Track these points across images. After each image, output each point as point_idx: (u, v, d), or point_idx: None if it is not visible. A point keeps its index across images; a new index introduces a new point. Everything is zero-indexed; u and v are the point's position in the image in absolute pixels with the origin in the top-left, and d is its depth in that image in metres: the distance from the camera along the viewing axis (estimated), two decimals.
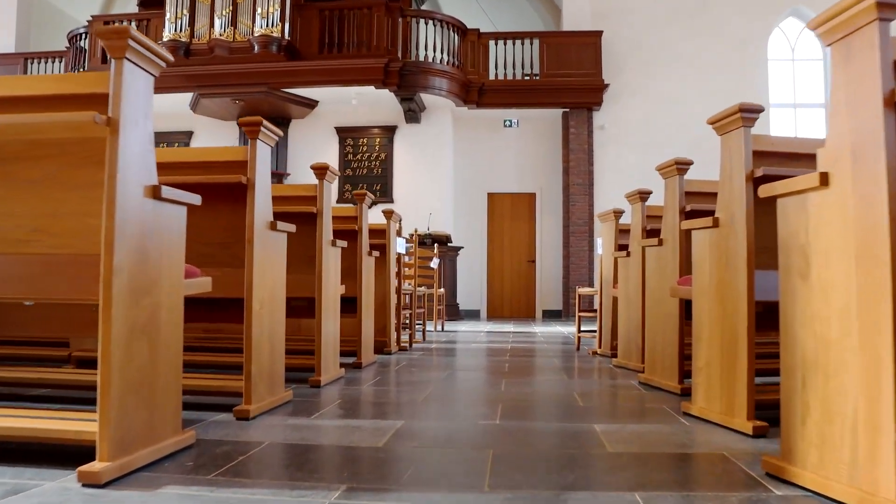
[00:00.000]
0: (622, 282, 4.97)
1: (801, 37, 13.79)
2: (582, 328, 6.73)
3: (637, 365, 4.64)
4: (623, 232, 5.84)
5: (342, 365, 4.62)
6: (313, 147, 13.50)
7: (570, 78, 13.18)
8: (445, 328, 9.62)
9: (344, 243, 4.58)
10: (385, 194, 13.27)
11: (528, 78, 13.32)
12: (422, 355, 5.67)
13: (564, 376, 4.40)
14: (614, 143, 13.42)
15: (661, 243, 3.94)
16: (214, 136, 13.56)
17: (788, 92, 13.78)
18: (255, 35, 11.88)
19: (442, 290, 9.14)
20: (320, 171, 4.32)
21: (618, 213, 5.75)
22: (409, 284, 7.19)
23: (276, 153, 13.42)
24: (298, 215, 4.27)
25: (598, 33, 13.21)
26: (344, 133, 13.47)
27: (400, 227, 6.90)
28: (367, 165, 13.39)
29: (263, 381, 3.19)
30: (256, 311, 3.15)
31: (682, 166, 4.05)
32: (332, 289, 4.26)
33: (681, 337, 3.63)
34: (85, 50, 13.40)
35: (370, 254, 5.01)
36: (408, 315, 6.56)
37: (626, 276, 4.91)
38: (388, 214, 5.75)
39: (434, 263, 8.75)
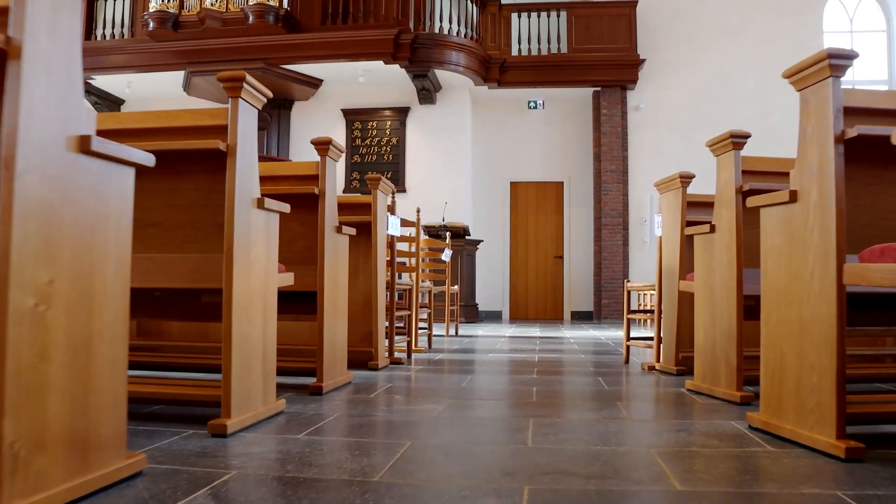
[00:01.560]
0: (703, 270, 3.35)
1: (859, 6, 12.03)
2: (631, 334, 5.11)
3: (728, 392, 3.03)
4: (694, 206, 4.21)
5: (288, 389, 3.07)
6: (318, 131, 11.96)
7: (601, 53, 11.55)
8: (460, 332, 8.03)
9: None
10: (397, 182, 11.70)
11: (554, 54, 11.70)
12: (418, 373, 4.09)
13: (624, 412, 2.79)
14: (651, 125, 11.76)
15: (794, 198, 2.31)
16: None
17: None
18: (250, 4, 10.40)
19: (456, 287, 7.57)
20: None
21: (686, 179, 4.12)
22: (409, 278, 5.62)
23: (276, 137, 11.95)
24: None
25: (633, 3, 11.56)
26: (351, 115, 11.95)
27: (418, 222, 5.36)
28: (376, 151, 11.85)
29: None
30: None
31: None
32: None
33: (840, 358, 2.02)
34: None
35: (339, 230, 3.44)
36: (406, 317, 4.99)
37: (709, 262, 3.29)
38: (375, 182, 4.18)
39: (446, 256, 7.18)
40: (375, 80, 11.39)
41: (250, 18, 10.46)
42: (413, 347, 5.34)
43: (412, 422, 2.54)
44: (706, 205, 4.23)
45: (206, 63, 10.83)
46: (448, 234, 10.19)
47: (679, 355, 4.01)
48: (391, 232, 4.52)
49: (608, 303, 11.39)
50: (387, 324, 4.55)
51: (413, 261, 5.52)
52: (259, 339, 2.52)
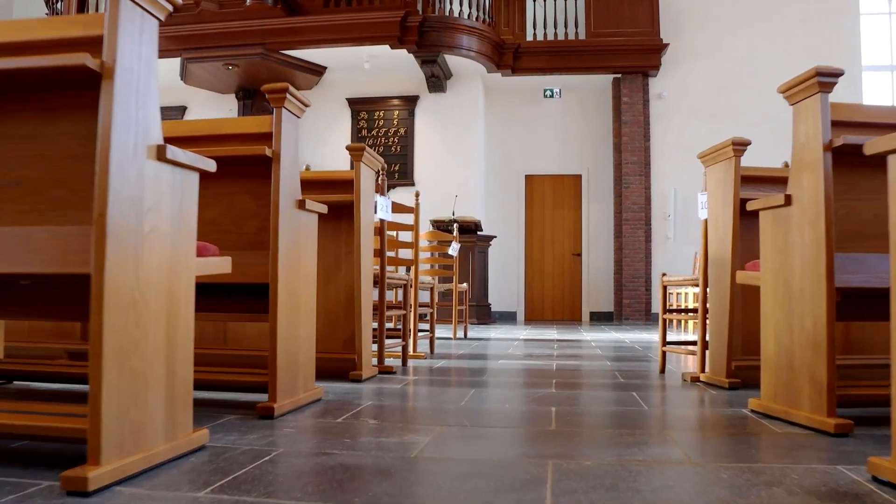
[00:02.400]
0: (774, 256, 2.53)
1: None
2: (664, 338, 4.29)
3: (815, 418, 2.21)
4: (749, 181, 3.37)
5: (237, 409, 2.30)
6: (322, 122, 11.22)
7: (621, 38, 10.71)
8: (469, 334, 7.23)
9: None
10: (405, 176, 10.93)
11: (571, 39, 10.88)
12: (410, 386, 3.30)
13: (680, 450, 1.98)
14: (675, 114, 10.90)
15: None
16: (210, 110, 11.37)
17: (885, 52, 11.11)
18: None
19: (465, 285, 6.78)
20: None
21: (740, 146, 3.29)
22: (408, 273, 4.83)
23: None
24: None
25: None
26: (357, 105, 11.18)
27: (417, 208, 4.60)
28: (383, 142, 11.07)
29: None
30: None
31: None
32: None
33: None
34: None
35: (301, 205, 2.64)
36: (403, 318, 4.20)
37: (783, 245, 2.47)
38: (358, 152, 3.39)
39: (453, 250, 6.40)
40: (382, 67, 10.62)
41: (248, 0, 9.74)
42: (411, 352, 4.56)
43: (378, 467, 1.74)
44: (765, 181, 3.41)
45: (202, 49, 10.11)
46: (457, 228, 9.41)
47: (732, 364, 3.19)
48: (381, 216, 3.73)
49: (630, 303, 10.54)
50: (376, 325, 3.77)
51: (412, 253, 4.73)
52: (159, 347, 1.74)
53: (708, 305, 3.41)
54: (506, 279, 11.32)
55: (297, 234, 2.62)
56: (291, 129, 2.65)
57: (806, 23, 10.77)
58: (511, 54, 10.69)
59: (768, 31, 10.82)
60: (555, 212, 11.47)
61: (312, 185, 3.56)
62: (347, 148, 3.40)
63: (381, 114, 11.11)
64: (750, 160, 10.66)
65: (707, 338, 3.46)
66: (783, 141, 11.10)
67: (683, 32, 10.95)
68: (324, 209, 2.81)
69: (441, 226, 9.45)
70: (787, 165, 3.66)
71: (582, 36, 10.89)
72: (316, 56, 10.41)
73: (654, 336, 7.18)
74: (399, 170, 10.93)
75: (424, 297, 5.64)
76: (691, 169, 10.60)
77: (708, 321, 3.43)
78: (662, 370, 3.83)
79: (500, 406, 2.67)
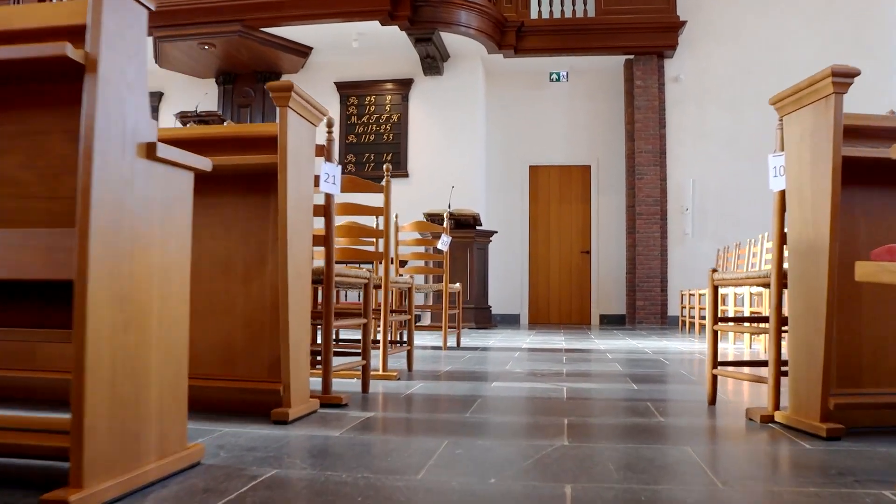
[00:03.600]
0: None
1: None
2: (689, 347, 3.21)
3: None
4: (851, 136, 2.26)
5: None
6: None
7: (634, 15, 9.65)
8: (464, 343, 6.17)
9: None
10: (398, 166, 9.86)
11: (580, 17, 9.81)
12: (356, 433, 2.21)
13: None
14: (693, 99, 9.81)
15: None
16: (189, 95, 10.32)
17: None
18: None
19: (458, 285, 5.71)
20: None
21: (844, 79, 2.18)
22: (368, 270, 3.76)
23: (261, 116, 10.17)
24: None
25: None
26: (346, 89, 10.12)
27: (388, 185, 3.54)
28: (374, 130, 10.01)
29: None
30: None
31: None
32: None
33: None
34: None
35: (150, 152, 1.56)
36: (363, 329, 3.12)
37: None
38: (282, 94, 2.31)
39: (443, 244, 5.33)
40: (372, 47, 9.56)
41: None
42: (380, 372, 3.49)
43: None
44: (871, 134, 2.31)
45: (174, 27, 9.08)
46: (450, 219, 8.35)
47: (830, 402, 2.12)
48: (325, 189, 2.66)
49: (644, 305, 9.44)
50: (323, 343, 2.70)
51: (382, 244, 3.65)
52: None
53: (788, 313, 2.33)
54: (508, 279, 10.24)
55: (146, 202, 1.55)
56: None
57: (835, 1, 9.67)
58: (514, 33, 9.62)
59: (795, 9, 9.73)
60: (561, 206, 10.38)
61: (228, 144, 2.50)
62: (268, 87, 2.33)
63: (373, 99, 10.05)
64: (774, 144, 9.36)
65: (778, 358, 2.38)
66: None
67: (702, 9, 9.86)
68: (203, 165, 1.75)
69: (436, 220, 8.38)
70: (893, 113, 2.58)
71: (591, 13, 9.83)
72: (300, 34, 9.37)
73: (678, 345, 6.09)
74: (391, 160, 9.87)
75: (416, 299, 4.58)
76: (711, 158, 9.52)
77: (788, 336, 2.35)
78: (712, 400, 2.75)
79: (481, 482, 1.60)
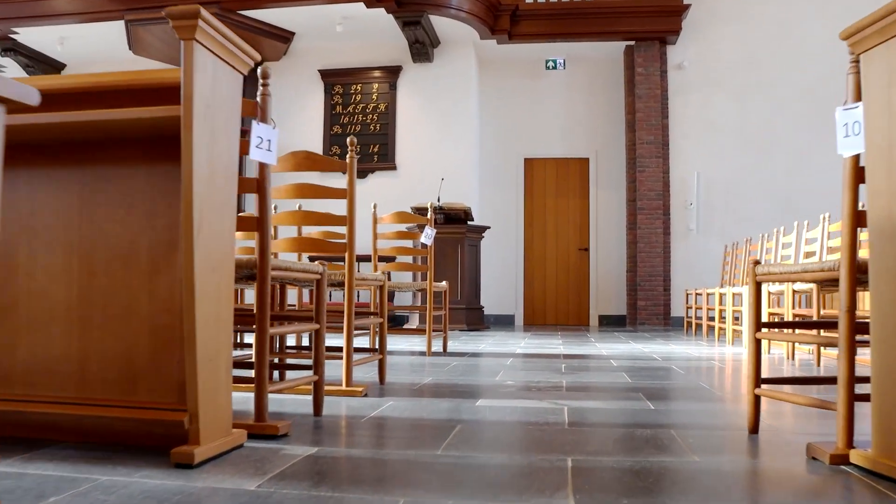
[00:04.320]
0: None
1: None
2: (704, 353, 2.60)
3: None
4: None
5: None
6: (290, 97, 9.55)
7: None
8: (452, 347, 5.56)
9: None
10: (385, 158, 9.25)
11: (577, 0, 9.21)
12: (276, 486, 1.60)
13: None
14: (697, 87, 9.21)
15: None
16: None
17: None
18: None
19: (445, 284, 5.09)
20: None
21: None
22: (325, 265, 3.14)
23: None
24: None
25: None
26: (331, 77, 9.50)
27: (352, 158, 2.95)
28: (360, 120, 9.39)
29: None
30: None
31: None
32: None
33: None
34: None
35: None
36: (314, 337, 2.50)
37: None
38: (186, 23, 1.71)
39: (427, 237, 4.72)
40: (358, 32, 8.94)
41: None
42: (344, 387, 2.87)
43: None
44: None
45: (146, 10, 8.45)
46: (434, 212, 7.75)
47: None
48: (257, 157, 2.04)
49: (645, 305, 8.84)
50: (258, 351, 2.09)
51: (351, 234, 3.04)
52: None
53: (870, 318, 1.73)
54: (502, 278, 9.63)
55: None
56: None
57: None
58: (508, 17, 9.01)
59: None
60: (558, 200, 9.77)
61: (124, 96, 1.88)
62: (166, 12, 1.72)
63: (359, 87, 9.43)
64: (790, 135, 8.63)
65: (855, 377, 1.78)
66: (823, 118, 9.45)
67: None
68: (18, 92, 1.13)
69: (424, 214, 7.77)
70: None
71: None
72: (281, 18, 8.74)
73: (688, 349, 5.49)
74: (378, 151, 9.25)
75: (404, 299, 3.97)
76: (717, 149, 8.92)
77: (871, 349, 1.74)
78: (754, 427, 2.14)
79: None
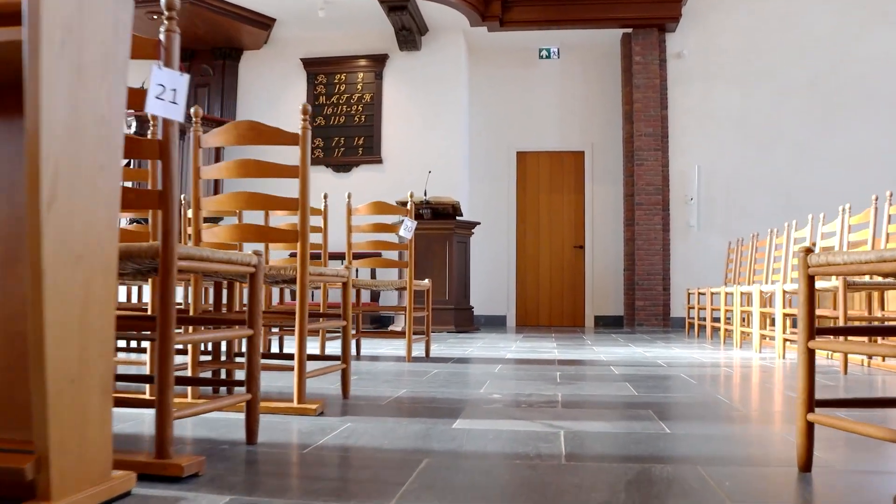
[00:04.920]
0: None
1: None
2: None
3: None
4: None
5: None
6: (271, 87, 9.05)
7: None
8: (436, 351, 5.06)
9: None
10: (370, 151, 8.75)
11: None
12: None
13: None
14: (698, 77, 8.74)
15: None
16: (140, 75, 9.15)
17: None
18: None
19: (427, 282, 4.59)
20: None
21: None
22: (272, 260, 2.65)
23: (220, 95, 9.04)
24: None
25: None
26: (314, 67, 9.00)
27: (303, 133, 2.61)
28: (345, 111, 8.89)
29: None
30: None
31: None
32: None
33: None
34: None
35: None
36: (234, 348, 1.99)
37: None
38: None
39: (406, 230, 4.22)
40: (342, 18, 8.44)
41: None
42: (294, 403, 2.37)
43: None
44: None
45: None
46: (430, 211, 7.26)
47: None
48: (158, 111, 1.55)
49: (644, 305, 8.36)
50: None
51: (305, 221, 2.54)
52: None
53: None
54: (493, 276, 9.14)
55: None
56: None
57: None
58: (499, 2, 8.52)
59: None
60: (552, 196, 9.29)
61: None
62: None
63: (343, 77, 8.93)
64: (793, 128, 8.05)
65: None
66: (828, 110, 9.00)
67: None
68: None
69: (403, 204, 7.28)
70: None
71: None
72: (261, 3, 8.24)
73: (693, 354, 5.01)
74: (363, 144, 8.76)
75: (390, 299, 3.45)
76: (718, 141, 8.46)
77: None
78: (806, 464, 1.65)
79: None
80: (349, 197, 4.34)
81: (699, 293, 7.00)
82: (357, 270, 8.29)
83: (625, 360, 4.43)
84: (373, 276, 8.00)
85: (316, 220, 5.02)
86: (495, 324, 9.10)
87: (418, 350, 4.91)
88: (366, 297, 8.28)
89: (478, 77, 9.34)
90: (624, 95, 8.81)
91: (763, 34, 8.60)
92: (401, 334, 4.30)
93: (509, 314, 9.16)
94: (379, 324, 8.28)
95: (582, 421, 2.26)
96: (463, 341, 6.02)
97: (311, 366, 2.78)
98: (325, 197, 4.36)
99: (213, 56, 9.11)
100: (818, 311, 4.14)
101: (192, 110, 2.55)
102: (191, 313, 2.42)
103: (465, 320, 7.49)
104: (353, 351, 4.73)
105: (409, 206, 4.27)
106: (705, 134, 8.60)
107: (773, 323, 5.37)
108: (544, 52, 9.12)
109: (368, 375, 3.47)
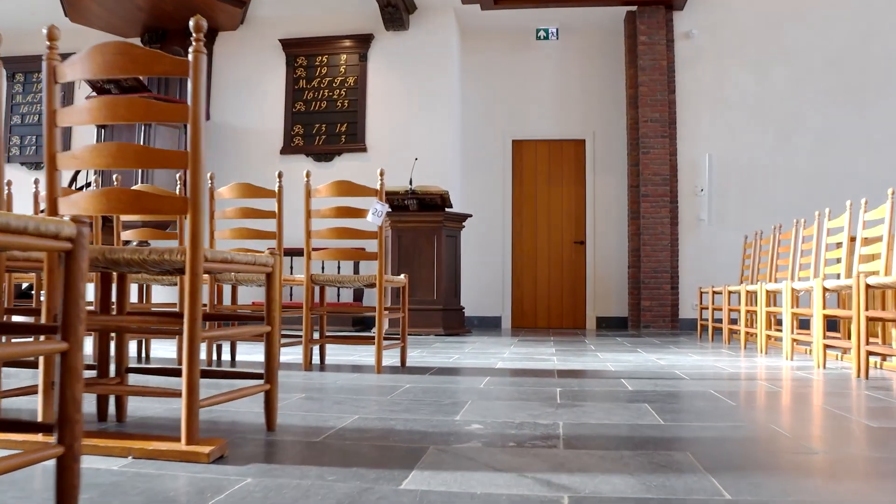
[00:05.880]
0: None
1: None
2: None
3: None
4: None
5: None
6: (248, 70, 8.32)
7: None
8: (414, 360, 4.32)
9: None
10: (354, 139, 8.02)
11: None
12: None
13: None
14: (709, 57, 8.00)
15: None
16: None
17: None
18: None
19: (403, 277, 3.85)
20: None
21: None
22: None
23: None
24: None
25: None
26: (293, 48, 8.27)
27: (195, 87, 1.81)
28: (327, 96, 8.16)
29: None
30: None
31: None
32: None
33: None
34: None
35: None
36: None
37: None
38: None
39: (375, 215, 3.48)
40: None
41: None
42: (183, 445, 1.62)
43: None
44: None
45: None
46: (416, 202, 6.54)
47: None
48: None
49: (651, 306, 7.63)
50: None
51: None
52: None
53: None
54: (486, 274, 8.40)
55: None
56: None
57: None
58: None
59: None
60: (551, 187, 8.55)
61: None
62: None
63: (325, 59, 8.20)
64: (814, 112, 7.18)
65: None
66: (853, 91, 8.23)
67: None
68: None
69: (394, 199, 6.55)
70: None
71: None
72: None
73: (715, 362, 4.27)
74: (346, 131, 8.02)
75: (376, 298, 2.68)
76: (731, 128, 7.73)
77: None
78: None
79: None
80: (307, 175, 3.60)
81: (713, 292, 6.26)
82: (323, 264, 7.55)
83: (636, 370, 3.69)
84: (356, 270, 7.27)
85: (268, 205, 4.28)
86: (489, 326, 8.36)
87: (393, 358, 4.17)
88: (348, 296, 7.55)
89: (470, 59, 8.61)
90: (628, 79, 8.08)
91: (780, 9, 7.86)
92: (361, 339, 3.56)
93: (504, 315, 8.41)
94: (363, 326, 7.55)
95: (594, 475, 1.52)
96: (450, 346, 5.28)
97: (220, 386, 2.04)
98: (280, 176, 3.62)
99: (186, 37, 8.36)
100: (868, 313, 3.40)
101: (44, 30, 1.80)
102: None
103: (454, 322, 6.75)
104: (317, 359, 3.99)
105: (379, 186, 3.53)
106: (717, 119, 7.87)
107: (800, 325, 4.65)
108: (542, 33, 8.38)
109: (319, 393, 2.73)
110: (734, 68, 7.91)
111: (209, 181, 3.69)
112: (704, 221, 7.78)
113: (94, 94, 7.43)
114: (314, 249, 3.66)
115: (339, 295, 7.69)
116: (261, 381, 1.99)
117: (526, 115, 8.51)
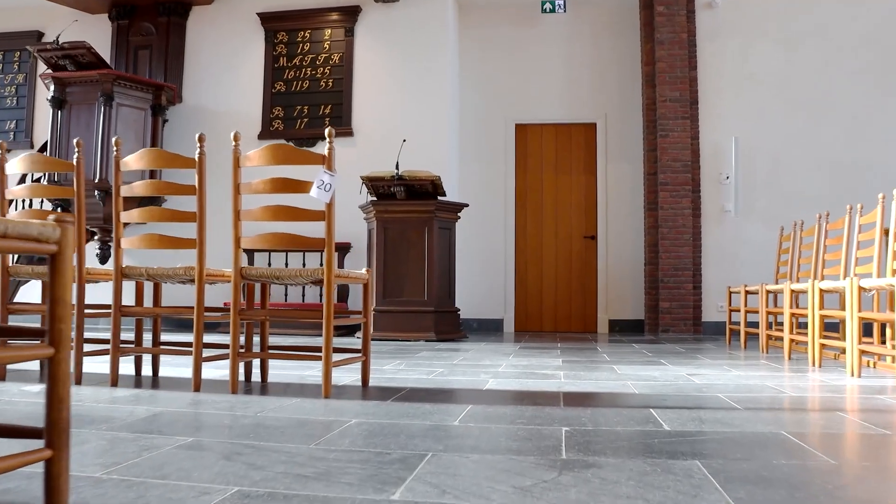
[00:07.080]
0: None
1: None
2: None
3: None
4: None
5: None
6: (223, 48, 7.47)
7: None
8: (385, 374, 3.44)
9: None
10: (339, 121, 7.16)
11: None
12: None
13: None
14: (734, 30, 7.09)
15: None
16: (76, 34, 7.56)
17: None
18: None
19: (364, 271, 2.98)
20: None
21: None
22: None
23: (164, 57, 7.47)
24: None
25: None
26: (273, 23, 7.41)
27: None
28: (309, 75, 7.30)
29: None
30: None
31: None
32: None
33: None
34: None
35: None
36: None
37: None
38: None
39: (322, 188, 2.60)
40: None
41: None
42: None
43: None
44: None
45: None
46: (404, 189, 5.68)
47: None
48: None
49: (670, 307, 6.72)
50: None
51: None
52: None
53: None
54: (487, 273, 7.51)
55: None
56: None
57: None
58: None
59: None
60: (558, 176, 7.65)
61: None
62: None
63: (307, 35, 7.34)
64: (845, 96, 6.18)
65: None
66: (889, 69, 7.22)
67: None
68: None
69: (379, 186, 5.69)
70: None
71: None
72: None
73: (762, 378, 3.38)
74: (331, 113, 7.16)
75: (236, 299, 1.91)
76: (759, 109, 6.81)
77: None
78: None
79: None
80: (236, 139, 2.72)
81: (746, 291, 5.34)
82: (270, 255, 6.68)
83: (667, 392, 2.79)
84: (341, 264, 6.40)
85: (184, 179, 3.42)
86: (489, 329, 7.46)
87: (353, 376, 3.29)
88: (313, 296, 6.67)
89: (469, 34, 7.72)
90: (644, 54, 7.17)
91: None
92: (306, 354, 2.68)
93: (507, 318, 7.51)
94: (345, 331, 6.67)
95: None
96: (438, 355, 4.39)
97: None
98: (201, 139, 2.75)
99: (157, 12, 7.53)
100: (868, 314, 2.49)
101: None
102: None
103: (448, 326, 5.87)
104: (258, 378, 3.12)
105: (326, 151, 2.64)
106: (743, 99, 6.95)
107: (863, 332, 3.76)
108: (548, 5, 7.47)
109: (215, 437, 1.85)
110: (761, 43, 6.98)
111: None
112: (731, 213, 6.87)
113: (50, 70, 6.62)
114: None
115: (303, 294, 6.78)
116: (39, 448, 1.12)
117: (530, 97, 7.61)
